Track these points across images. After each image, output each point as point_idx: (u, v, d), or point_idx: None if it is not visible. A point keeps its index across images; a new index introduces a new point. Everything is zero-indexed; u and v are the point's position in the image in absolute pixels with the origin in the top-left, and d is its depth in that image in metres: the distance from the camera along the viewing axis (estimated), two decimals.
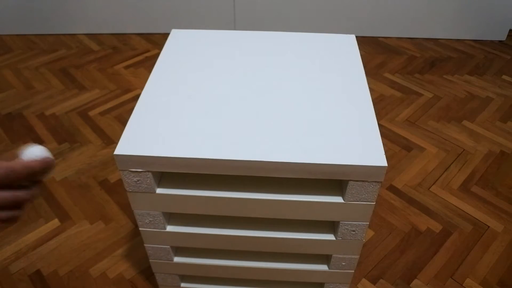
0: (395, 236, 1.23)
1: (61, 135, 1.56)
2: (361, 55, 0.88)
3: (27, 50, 2.05)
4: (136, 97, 1.74)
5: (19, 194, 0.46)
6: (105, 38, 2.15)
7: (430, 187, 1.37)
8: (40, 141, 1.53)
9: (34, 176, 0.47)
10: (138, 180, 0.69)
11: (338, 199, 0.71)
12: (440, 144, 1.53)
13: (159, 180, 0.73)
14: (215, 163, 0.65)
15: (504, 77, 1.89)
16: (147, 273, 1.13)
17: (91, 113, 1.66)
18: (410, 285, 1.11)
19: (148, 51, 2.05)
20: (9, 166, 0.44)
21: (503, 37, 2.14)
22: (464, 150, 1.51)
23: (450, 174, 1.41)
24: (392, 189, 1.36)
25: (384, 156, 0.65)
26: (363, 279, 1.12)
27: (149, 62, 1.96)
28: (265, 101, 0.76)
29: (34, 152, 0.47)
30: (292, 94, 0.78)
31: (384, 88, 1.81)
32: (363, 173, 0.65)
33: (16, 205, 0.46)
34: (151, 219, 0.77)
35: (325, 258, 0.89)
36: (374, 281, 1.12)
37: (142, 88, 1.65)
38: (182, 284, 0.97)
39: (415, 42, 2.14)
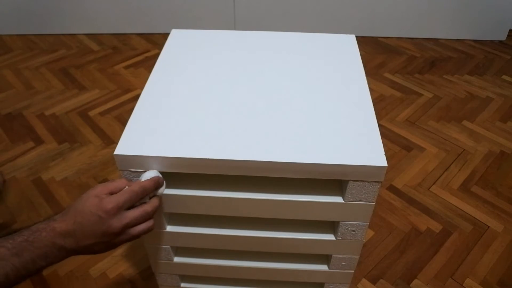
0: (395, 236, 1.23)
1: (61, 135, 1.56)
2: (361, 55, 0.88)
3: (27, 50, 2.05)
4: (136, 97, 1.74)
5: (145, 207, 0.60)
6: (105, 38, 2.15)
7: (430, 187, 1.37)
8: (40, 141, 1.53)
9: (149, 192, 0.61)
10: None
11: (338, 199, 0.71)
12: (440, 144, 1.53)
13: None
14: (215, 163, 0.65)
15: (504, 77, 1.89)
16: (147, 273, 1.13)
17: (91, 113, 1.67)
18: (410, 285, 1.11)
19: (148, 51, 2.05)
20: (130, 190, 0.59)
21: (503, 37, 2.14)
22: (464, 150, 1.51)
23: (450, 174, 1.41)
24: (392, 189, 1.36)
25: (384, 156, 0.65)
26: (363, 279, 1.12)
27: (149, 62, 1.96)
28: (265, 101, 0.76)
29: (148, 174, 0.64)
30: (292, 94, 0.78)
31: (384, 88, 1.81)
32: (363, 173, 0.65)
33: (148, 217, 0.60)
34: None
35: (325, 258, 0.89)
36: (374, 281, 1.12)
37: (142, 88, 1.66)
38: (182, 284, 0.97)
39: (415, 42, 2.14)
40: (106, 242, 0.58)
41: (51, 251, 0.54)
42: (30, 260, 0.52)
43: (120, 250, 1.18)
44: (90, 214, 0.56)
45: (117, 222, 0.57)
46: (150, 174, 0.64)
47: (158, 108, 0.74)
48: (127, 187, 0.60)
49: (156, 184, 0.63)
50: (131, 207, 0.59)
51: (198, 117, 0.72)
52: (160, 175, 0.65)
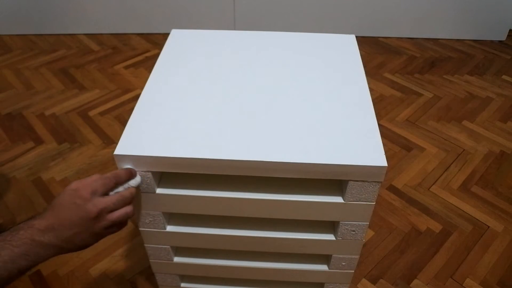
0: (395, 236, 1.23)
1: (61, 135, 1.56)
2: (361, 55, 0.88)
3: (27, 50, 2.05)
4: (136, 97, 1.74)
5: (122, 192, 0.61)
6: (105, 38, 2.15)
7: (430, 187, 1.37)
8: (40, 141, 1.53)
9: (121, 179, 0.63)
10: None
11: (338, 199, 0.71)
12: (440, 144, 1.53)
13: (159, 180, 0.73)
14: (215, 163, 0.65)
15: (504, 77, 1.89)
16: (147, 273, 1.13)
17: (91, 113, 1.66)
18: (410, 285, 1.11)
19: (148, 51, 2.05)
20: (103, 176, 0.60)
21: (503, 37, 2.14)
22: (464, 150, 1.51)
23: (450, 174, 1.41)
24: (392, 189, 1.36)
25: (384, 156, 0.65)
26: (363, 279, 1.12)
27: (149, 62, 1.96)
28: (265, 101, 0.76)
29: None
30: (292, 94, 0.78)
31: (384, 88, 1.81)
32: (363, 173, 0.65)
33: (125, 201, 0.61)
34: (151, 219, 0.77)
35: (325, 258, 0.89)
36: (374, 281, 1.12)
37: (142, 88, 1.66)
38: (182, 284, 0.97)
39: (415, 42, 2.14)
40: (86, 230, 0.58)
41: (31, 249, 0.53)
42: (9, 260, 0.51)
43: (120, 250, 1.18)
44: (66, 204, 0.56)
45: (93, 206, 0.57)
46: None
47: (158, 108, 0.74)
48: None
49: (128, 174, 0.64)
50: (106, 195, 0.60)
51: (198, 117, 0.72)
52: (132, 166, 0.66)
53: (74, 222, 0.56)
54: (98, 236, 0.60)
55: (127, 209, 0.61)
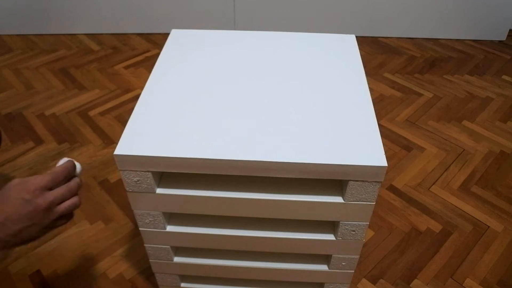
0: (395, 236, 1.23)
1: (61, 135, 1.56)
2: (361, 55, 0.88)
3: (27, 50, 2.05)
4: (136, 97, 1.74)
5: (68, 184, 0.62)
6: (105, 38, 2.15)
7: (430, 187, 1.37)
8: (40, 141, 1.53)
9: (71, 172, 0.63)
10: (138, 180, 0.69)
11: (338, 199, 0.71)
12: (440, 144, 1.53)
13: (159, 180, 0.73)
14: (215, 163, 0.65)
15: (504, 77, 1.89)
16: (147, 273, 1.13)
17: (91, 113, 1.66)
18: (410, 285, 1.11)
19: (148, 51, 2.05)
20: (52, 171, 0.61)
21: (503, 37, 2.14)
22: (464, 150, 1.51)
23: (450, 174, 1.41)
24: (392, 189, 1.36)
25: (384, 156, 0.65)
26: (363, 279, 1.12)
27: (149, 62, 1.96)
28: (265, 101, 0.76)
29: (63, 161, 0.66)
30: (292, 94, 0.78)
31: (384, 88, 1.81)
32: (363, 173, 0.65)
33: (73, 191, 0.62)
34: (151, 219, 0.77)
35: (325, 258, 0.89)
36: (374, 281, 1.12)
37: (142, 88, 1.65)
38: (182, 284, 0.97)
39: (415, 42, 2.14)
40: (35, 224, 0.58)
41: None
42: None
43: (120, 250, 1.18)
44: (13, 199, 0.56)
45: (42, 200, 0.57)
46: (64, 160, 0.66)
47: (158, 108, 0.74)
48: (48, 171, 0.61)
49: (73, 165, 0.65)
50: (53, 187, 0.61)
51: (198, 117, 0.72)
52: (71, 159, 0.67)
53: (22, 216, 0.56)
54: (46, 229, 0.60)
55: (74, 199, 0.62)
